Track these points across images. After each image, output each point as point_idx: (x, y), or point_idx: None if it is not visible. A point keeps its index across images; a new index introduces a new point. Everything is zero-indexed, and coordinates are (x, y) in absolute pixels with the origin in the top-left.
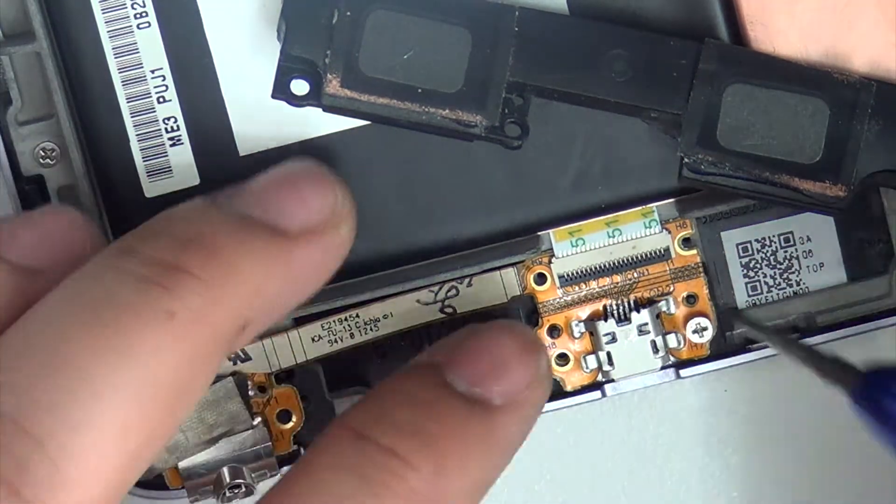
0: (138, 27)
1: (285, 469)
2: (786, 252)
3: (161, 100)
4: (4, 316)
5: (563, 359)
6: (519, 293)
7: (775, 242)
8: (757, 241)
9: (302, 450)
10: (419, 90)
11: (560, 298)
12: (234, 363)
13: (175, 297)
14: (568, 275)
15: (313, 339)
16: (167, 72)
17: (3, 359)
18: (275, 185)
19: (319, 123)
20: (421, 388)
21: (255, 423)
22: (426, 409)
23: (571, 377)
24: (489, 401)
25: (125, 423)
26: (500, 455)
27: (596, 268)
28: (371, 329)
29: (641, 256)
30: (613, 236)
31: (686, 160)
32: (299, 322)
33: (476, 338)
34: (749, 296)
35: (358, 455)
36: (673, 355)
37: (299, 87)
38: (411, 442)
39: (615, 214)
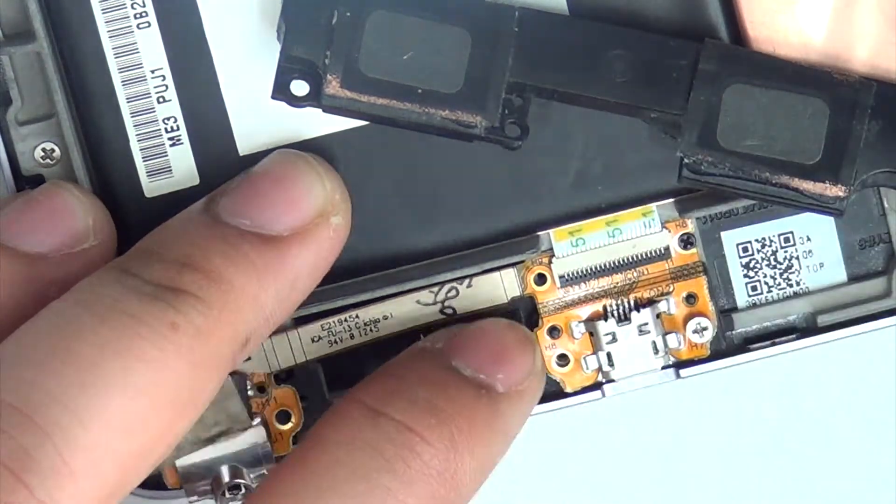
0: (138, 27)
1: None
2: (786, 252)
3: (161, 100)
4: (12, 306)
5: (563, 359)
6: (519, 293)
7: (775, 242)
8: (757, 241)
9: None
10: (419, 91)
11: (560, 298)
12: None
13: (179, 313)
14: (568, 275)
15: (313, 340)
16: (167, 72)
17: (11, 352)
18: (262, 188)
19: (319, 123)
20: (430, 369)
21: (254, 423)
22: (438, 387)
23: (572, 378)
24: (493, 387)
25: (130, 423)
26: (503, 440)
27: (596, 268)
28: (371, 330)
29: (641, 256)
30: (613, 236)
31: (686, 160)
32: (299, 322)
33: (475, 328)
34: (749, 296)
35: (373, 430)
36: (673, 355)
37: (299, 87)
38: (426, 418)
39: (615, 214)
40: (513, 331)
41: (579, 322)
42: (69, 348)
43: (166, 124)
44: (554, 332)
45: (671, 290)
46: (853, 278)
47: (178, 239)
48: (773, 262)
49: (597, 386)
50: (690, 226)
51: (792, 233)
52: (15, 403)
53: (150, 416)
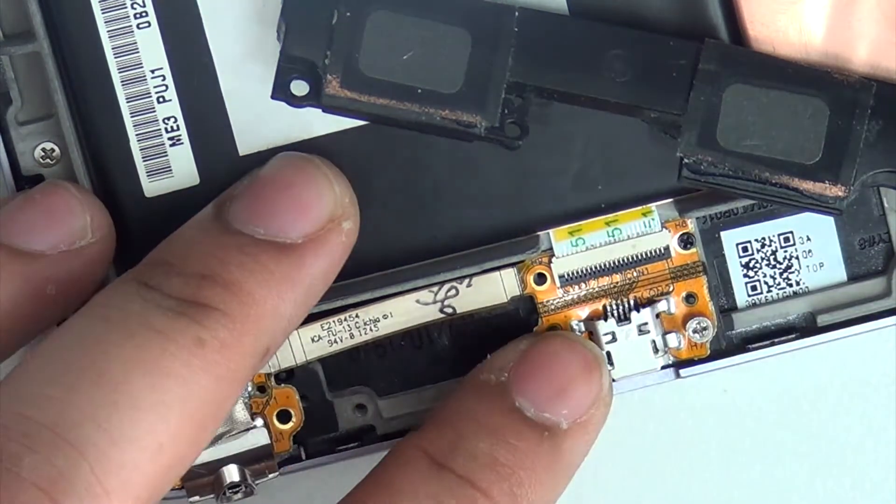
0: (138, 27)
1: (285, 469)
2: (786, 252)
3: (161, 100)
4: (9, 304)
5: None
6: (519, 293)
7: (775, 242)
8: (757, 240)
9: (302, 450)
10: (419, 91)
11: (560, 298)
12: None
13: (203, 327)
14: (568, 274)
15: (313, 339)
16: (167, 72)
17: (39, 370)
18: (273, 194)
19: (319, 123)
20: (492, 414)
21: (254, 423)
22: (499, 437)
23: None
24: (557, 425)
25: (160, 440)
26: (565, 478)
27: (596, 267)
28: (371, 329)
29: (641, 256)
30: (613, 236)
31: (686, 160)
32: None
33: (540, 354)
34: (749, 296)
35: (436, 484)
36: (673, 355)
37: (299, 87)
38: (487, 473)
39: (615, 214)
40: (579, 354)
41: (579, 322)
42: (97, 367)
43: (166, 124)
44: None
45: (671, 289)
46: (853, 278)
47: (194, 250)
48: (772, 262)
49: None
50: (690, 226)
51: (792, 233)
52: (46, 423)
53: (178, 433)
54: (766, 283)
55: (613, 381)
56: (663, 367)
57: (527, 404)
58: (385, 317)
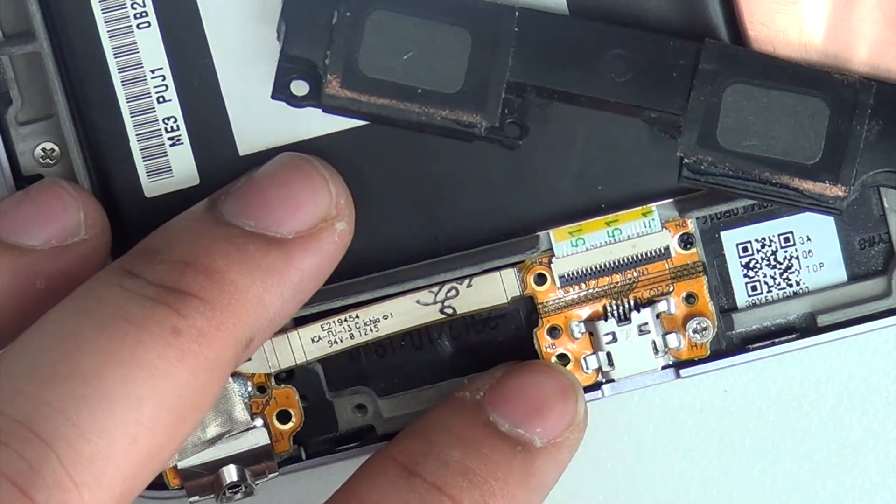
0: (138, 27)
1: (285, 469)
2: (786, 252)
3: (161, 100)
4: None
5: (563, 359)
6: (519, 293)
7: (775, 242)
8: (757, 241)
9: (302, 450)
10: (419, 91)
11: (560, 298)
12: None
13: (181, 316)
14: (568, 275)
15: (313, 340)
16: (167, 72)
17: (13, 365)
18: (268, 190)
19: (319, 123)
20: (466, 426)
21: (254, 423)
22: (472, 447)
23: None
24: (530, 442)
25: (133, 432)
26: (538, 495)
27: (596, 268)
28: (371, 329)
29: (641, 256)
30: (613, 236)
31: (686, 160)
32: (299, 322)
33: (517, 377)
34: (749, 296)
35: (407, 490)
36: (673, 355)
37: (299, 87)
38: (458, 480)
39: (615, 214)
40: (555, 379)
41: (579, 322)
42: (70, 360)
43: (166, 124)
44: (554, 332)
45: (671, 289)
46: (853, 278)
47: (181, 238)
48: (773, 262)
49: (597, 386)
50: (690, 226)
51: (792, 233)
52: (17, 417)
53: (153, 425)
54: (766, 283)
55: (612, 381)
56: (663, 368)
57: (501, 420)
58: (385, 317)
